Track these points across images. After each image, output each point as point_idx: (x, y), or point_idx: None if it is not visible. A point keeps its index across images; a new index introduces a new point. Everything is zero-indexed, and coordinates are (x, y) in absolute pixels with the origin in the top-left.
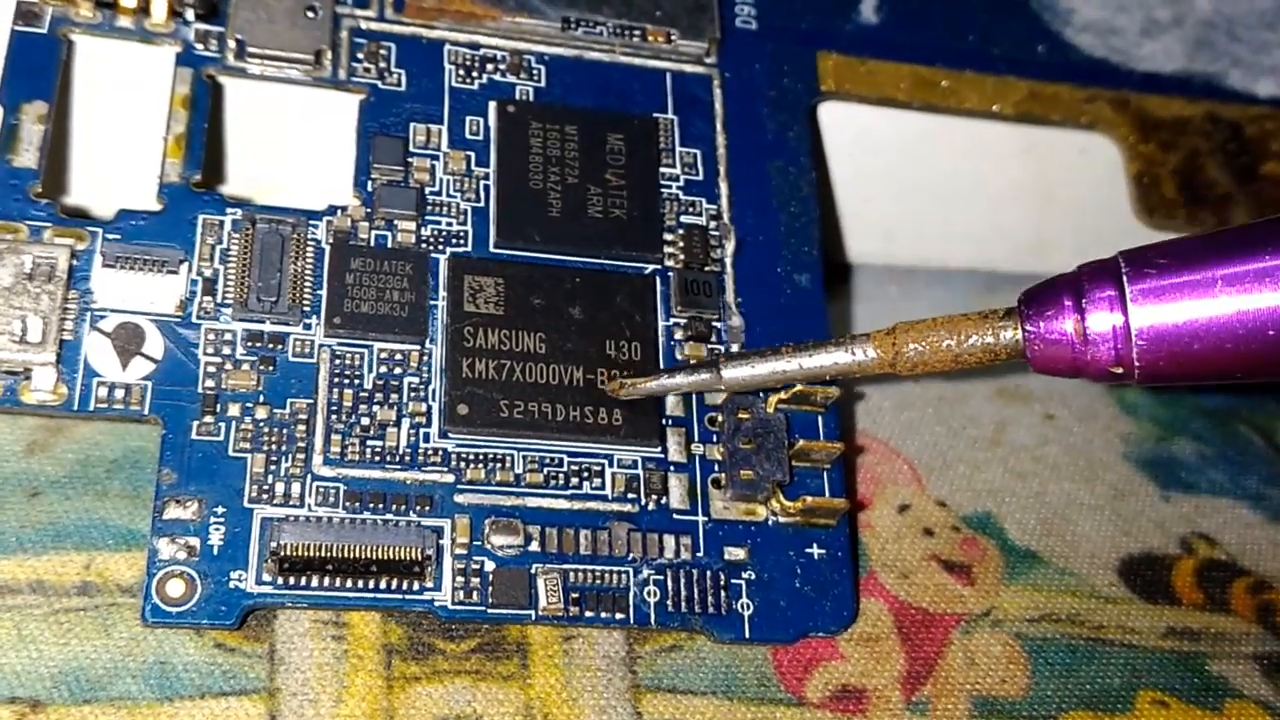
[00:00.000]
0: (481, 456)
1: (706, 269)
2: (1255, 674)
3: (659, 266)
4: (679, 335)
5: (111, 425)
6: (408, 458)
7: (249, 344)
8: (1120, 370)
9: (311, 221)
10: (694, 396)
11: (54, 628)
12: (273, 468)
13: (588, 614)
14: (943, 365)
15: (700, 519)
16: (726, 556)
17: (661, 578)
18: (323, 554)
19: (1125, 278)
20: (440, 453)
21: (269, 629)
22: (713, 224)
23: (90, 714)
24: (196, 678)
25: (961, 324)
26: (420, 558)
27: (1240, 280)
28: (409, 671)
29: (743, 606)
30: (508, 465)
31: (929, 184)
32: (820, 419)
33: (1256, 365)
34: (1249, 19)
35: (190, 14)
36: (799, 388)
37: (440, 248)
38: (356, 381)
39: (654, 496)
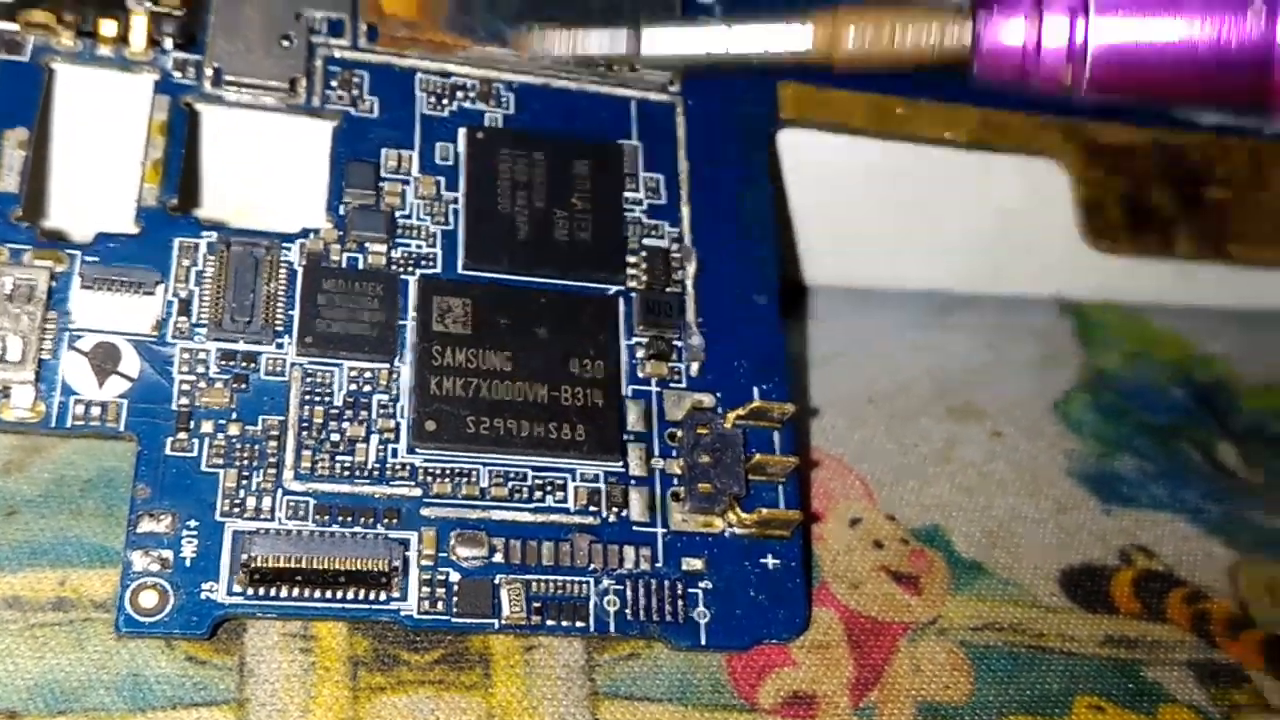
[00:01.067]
0: (448, 471)
1: (668, 290)
2: (1189, 680)
3: (623, 288)
4: (640, 354)
5: (86, 445)
6: (376, 472)
7: (223, 363)
8: (1069, 82)
9: (285, 244)
10: (655, 412)
11: (29, 642)
12: (244, 482)
13: (549, 623)
14: (882, 59)
15: (659, 530)
16: (684, 567)
17: (621, 587)
18: (292, 565)
19: None
20: (408, 468)
21: (239, 642)
22: (674, 246)
23: None
24: (168, 689)
25: (911, 14)
26: (387, 569)
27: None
28: (374, 682)
29: (699, 615)
30: (473, 479)
31: (885, 208)
32: (776, 434)
33: (1201, 79)
34: None
35: (169, 43)
36: (756, 402)
37: (410, 269)
38: (327, 399)
39: (615, 509)
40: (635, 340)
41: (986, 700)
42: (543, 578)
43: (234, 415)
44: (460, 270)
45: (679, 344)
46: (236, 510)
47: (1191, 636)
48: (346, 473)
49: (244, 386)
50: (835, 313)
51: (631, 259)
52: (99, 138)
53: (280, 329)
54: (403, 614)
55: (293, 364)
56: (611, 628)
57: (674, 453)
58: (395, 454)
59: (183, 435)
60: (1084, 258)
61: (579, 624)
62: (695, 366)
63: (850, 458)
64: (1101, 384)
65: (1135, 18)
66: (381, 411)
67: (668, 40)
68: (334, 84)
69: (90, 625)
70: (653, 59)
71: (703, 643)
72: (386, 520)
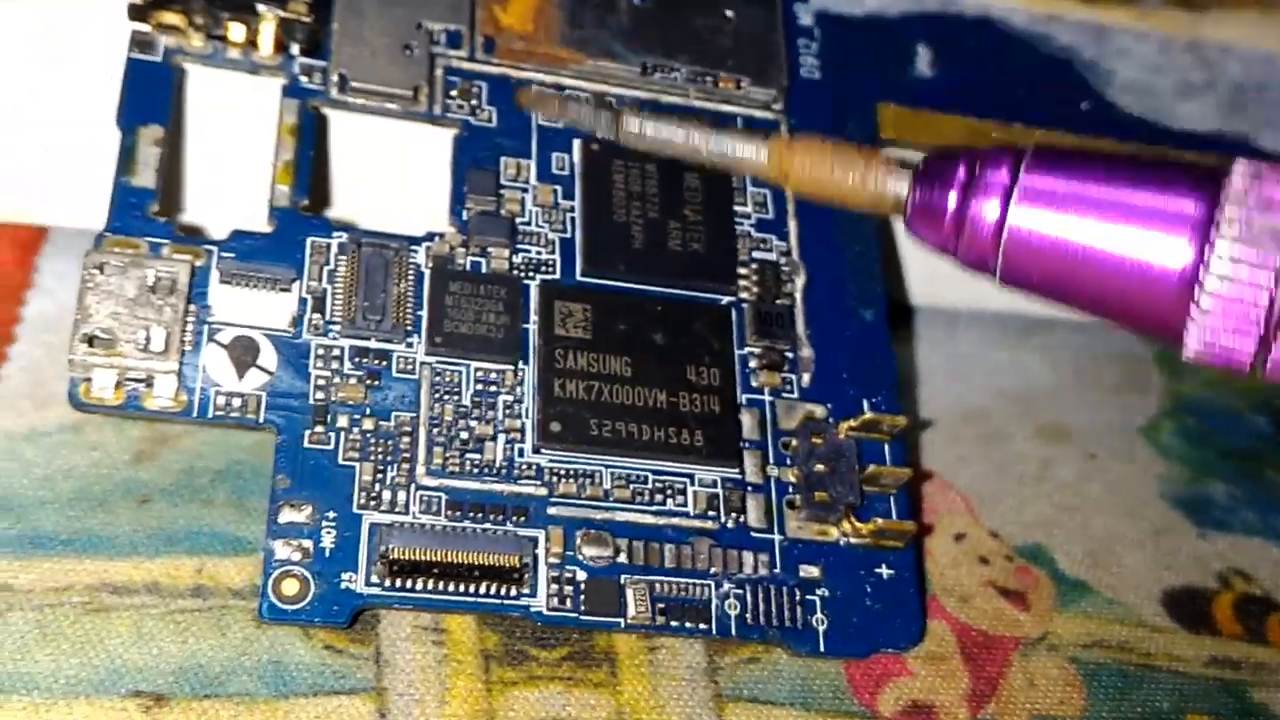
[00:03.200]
0: (572, 472)
1: (778, 302)
2: None
3: (734, 298)
4: (753, 364)
5: (213, 437)
6: (504, 471)
7: (356, 359)
8: (984, 262)
9: (412, 246)
10: (769, 420)
11: (171, 626)
12: (379, 476)
13: (673, 624)
14: (827, 195)
15: (776, 537)
16: (801, 574)
17: (741, 592)
18: (428, 558)
19: (1023, 170)
20: (534, 467)
21: (373, 632)
22: (783, 260)
23: (211, 708)
24: (309, 676)
25: (857, 159)
26: (518, 565)
27: (1121, 210)
28: (506, 676)
29: (817, 621)
30: (597, 481)
31: None
32: (887, 447)
33: (1107, 298)
34: (1277, 83)
35: (296, 49)
36: (868, 414)
37: (531, 274)
38: (455, 397)
39: (733, 515)
40: (748, 350)
41: (1100, 716)
42: (665, 579)
43: (368, 411)
44: (579, 277)
45: (790, 355)
46: (372, 503)
47: None
48: (476, 470)
49: (376, 383)
50: (927, 333)
51: (742, 270)
52: (230, 137)
53: (410, 328)
54: (533, 610)
55: (422, 362)
56: (733, 631)
57: (789, 461)
58: (522, 454)
59: (319, 428)
60: None
61: (702, 626)
62: (806, 378)
63: (949, 475)
64: (1184, 410)
65: (1056, 214)
66: (507, 412)
67: (643, 129)
68: (454, 93)
69: (229, 612)
70: (628, 142)
71: (821, 649)
72: (515, 518)
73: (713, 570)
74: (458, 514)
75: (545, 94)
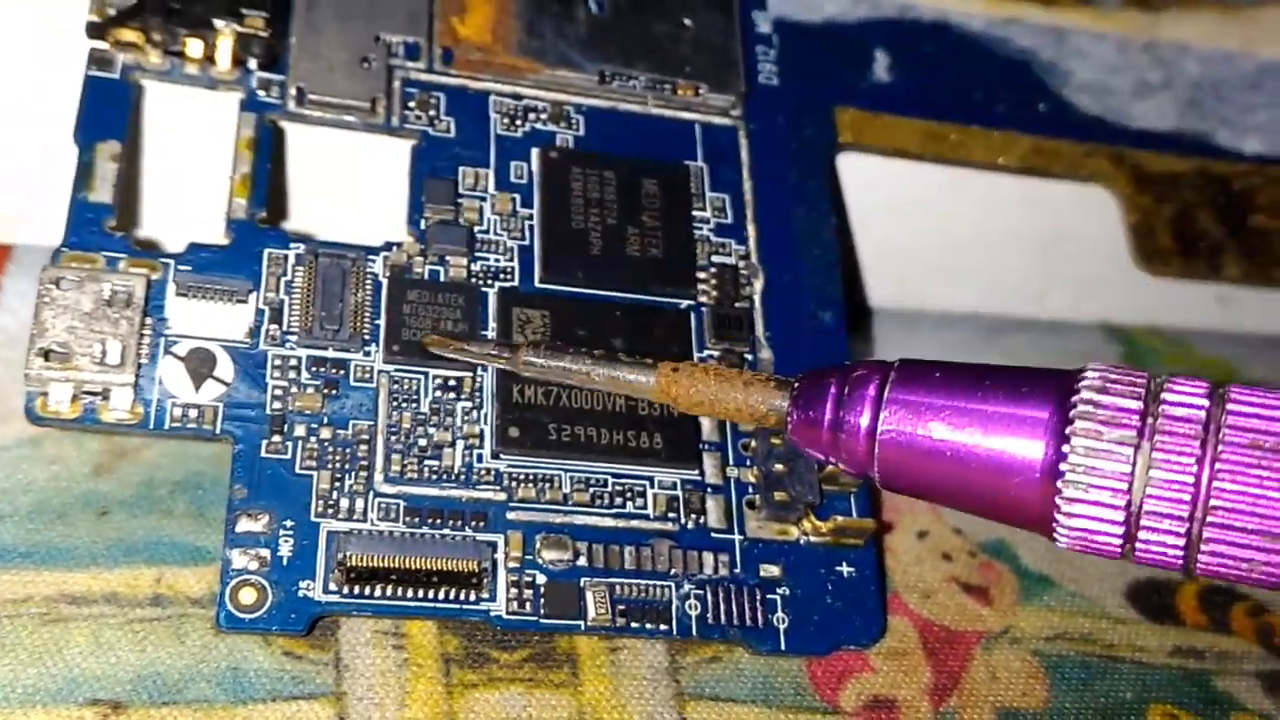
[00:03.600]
0: (532, 476)
1: (737, 305)
2: (1258, 690)
3: (693, 302)
4: None
5: (172, 449)
6: (462, 477)
7: (313, 369)
8: (863, 468)
9: (369, 256)
10: (729, 423)
11: (129, 636)
12: (337, 484)
13: (634, 625)
14: (716, 414)
15: (737, 537)
16: (762, 573)
17: (702, 592)
18: (386, 565)
19: (889, 386)
20: (493, 472)
21: (333, 638)
22: (742, 264)
23: (169, 715)
24: (267, 682)
25: (738, 383)
26: (477, 570)
27: (981, 418)
28: (467, 679)
29: (778, 620)
30: (556, 485)
31: (938, 231)
32: None
33: (979, 499)
34: (1234, 81)
35: (253, 63)
36: None
37: (490, 282)
38: (414, 405)
39: (693, 516)
40: (707, 353)
41: (1063, 707)
42: (626, 581)
43: (325, 420)
44: (537, 284)
45: (749, 357)
46: (330, 511)
47: (1257, 648)
48: (434, 476)
49: (334, 392)
50: (890, 335)
51: (701, 275)
52: (188, 152)
53: (367, 337)
54: (493, 614)
55: (380, 370)
56: (694, 631)
57: (748, 462)
58: (480, 459)
59: (277, 438)
60: (1132, 283)
61: (662, 627)
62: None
63: None
64: None
65: (922, 425)
66: (466, 418)
67: (540, 363)
68: (412, 105)
69: (188, 621)
70: (529, 374)
71: (782, 647)
72: (474, 523)
73: (673, 571)
74: (416, 520)
75: (447, 339)
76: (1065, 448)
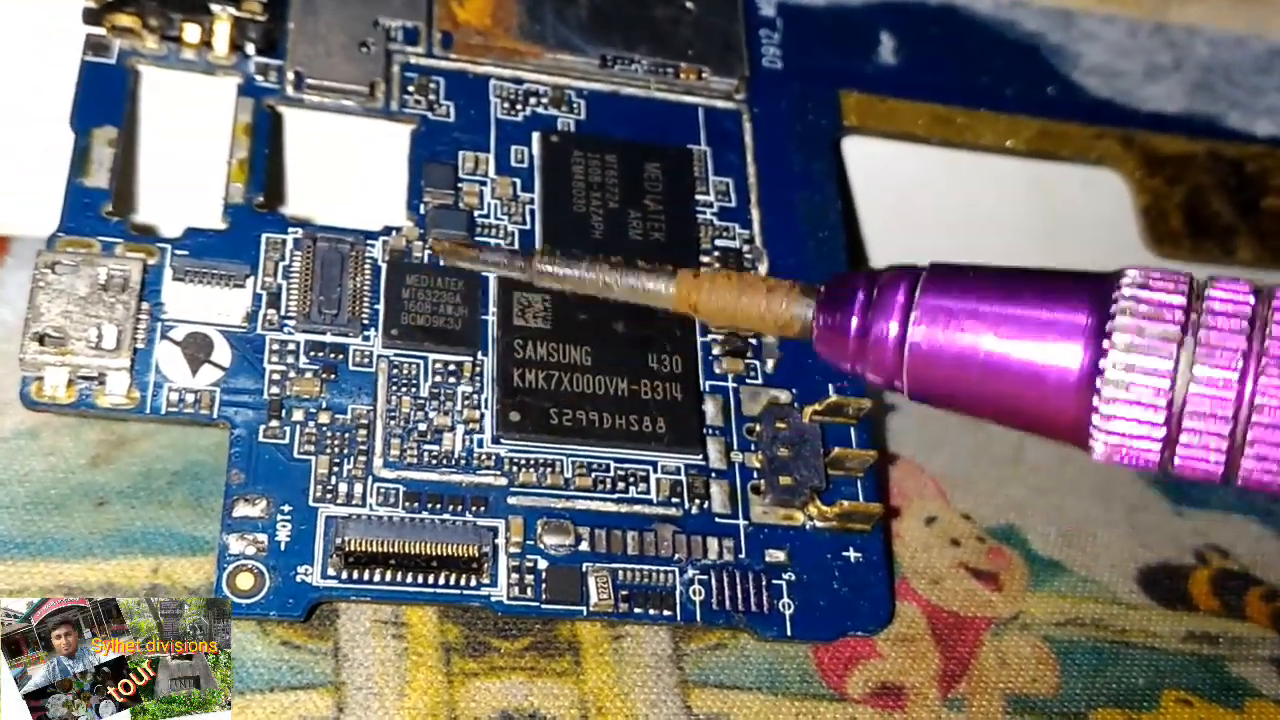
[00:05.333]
0: (532, 461)
1: None
2: (1273, 676)
3: None
4: (716, 350)
5: (172, 438)
6: (463, 461)
7: (311, 353)
8: (890, 379)
9: (368, 241)
10: (733, 406)
11: None
12: (336, 469)
13: (636, 610)
14: (737, 323)
15: (741, 523)
16: (767, 558)
17: (706, 578)
18: (385, 550)
19: (919, 290)
20: (493, 457)
21: (332, 628)
22: (746, 247)
23: None
24: (265, 673)
25: (761, 289)
26: (477, 555)
27: (1016, 323)
28: (467, 668)
29: (784, 606)
30: (558, 469)
31: (946, 215)
32: (853, 430)
33: (1012, 408)
34: (1244, 64)
35: (251, 48)
36: (833, 398)
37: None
38: (413, 390)
39: (697, 501)
40: (711, 336)
41: (1074, 693)
42: (629, 566)
43: (324, 404)
44: None
45: (754, 341)
46: (329, 496)
47: (1272, 633)
48: (434, 461)
49: (333, 376)
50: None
51: (704, 259)
52: (185, 137)
53: (366, 321)
54: (493, 599)
55: (379, 355)
56: (698, 617)
57: (753, 447)
58: (481, 444)
59: (274, 423)
60: (1145, 263)
61: (666, 613)
62: (771, 363)
63: (920, 458)
64: None
65: (954, 332)
66: (466, 402)
67: (555, 271)
68: (411, 89)
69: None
70: (543, 282)
71: (788, 634)
72: (474, 508)
73: (676, 556)
74: (415, 505)
75: (459, 242)
76: (1105, 344)
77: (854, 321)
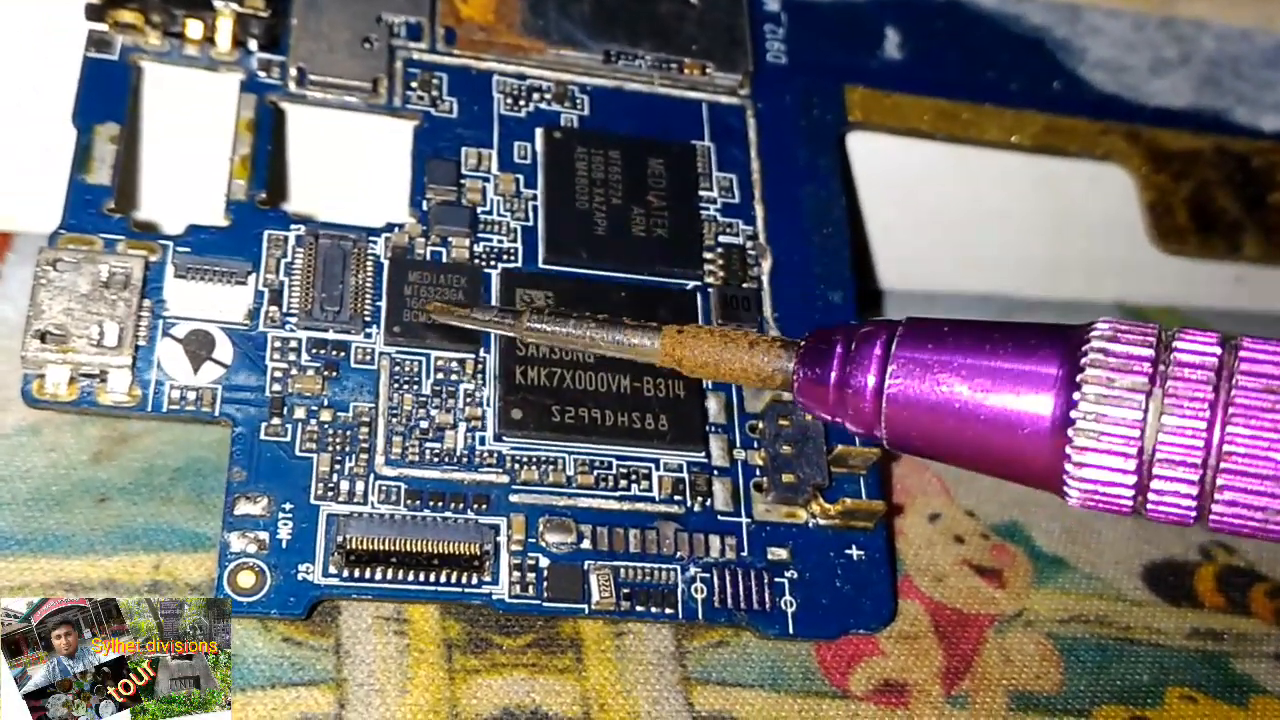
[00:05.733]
0: (535, 459)
1: (745, 285)
2: (1278, 672)
3: (700, 283)
4: None
5: (174, 435)
6: (465, 459)
7: (313, 351)
8: (870, 428)
9: (371, 237)
10: (735, 404)
11: None
12: (337, 467)
13: (638, 608)
14: (720, 378)
15: (744, 520)
16: (770, 556)
17: (708, 575)
18: (387, 548)
19: (895, 343)
20: (495, 455)
21: (333, 624)
22: (749, 244)
23: None
24: (266, 669)
25: (743, 344)
26: (479, 553)
27: (989, 374)
28: (469, 664)
29: (786, 604)
30: (560, 467)
31: (951, 211)
32: None
33: (988, 457)
34: (1252, 58)
35: (253, 44)
36: None
37: (492, 263)
38: (415, 387)
39: (699, 498)
40: None
41: (1078, 690)
42: (631, 564)
43: (325, 402)
44: (541, 264)
45: None
46: (330, 494)
47: (1277, 629)
48: (436, 459)
49: (334, 374)
50: (900, 317)
51: (708, 255)
52: (187, 134)
53: (368, 319)
54: (495, 597)
55: (381, 353)
56: (700, 615)
57: (756, 444)
58: (483, 441)
59: (276, 420)
60: (1148, 262)
61: (668, 611)
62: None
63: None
64: None
65: (930, 384)
66: (468, 400)
67: (543, 329)
68: (414, 85)
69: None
70: (532, 340)
71: (790, 632)
72: (476, 506)
73: (679, 554)
74: (417, 503)
75: (451, 307)
76: (1076, 396)
77: (833, 374)
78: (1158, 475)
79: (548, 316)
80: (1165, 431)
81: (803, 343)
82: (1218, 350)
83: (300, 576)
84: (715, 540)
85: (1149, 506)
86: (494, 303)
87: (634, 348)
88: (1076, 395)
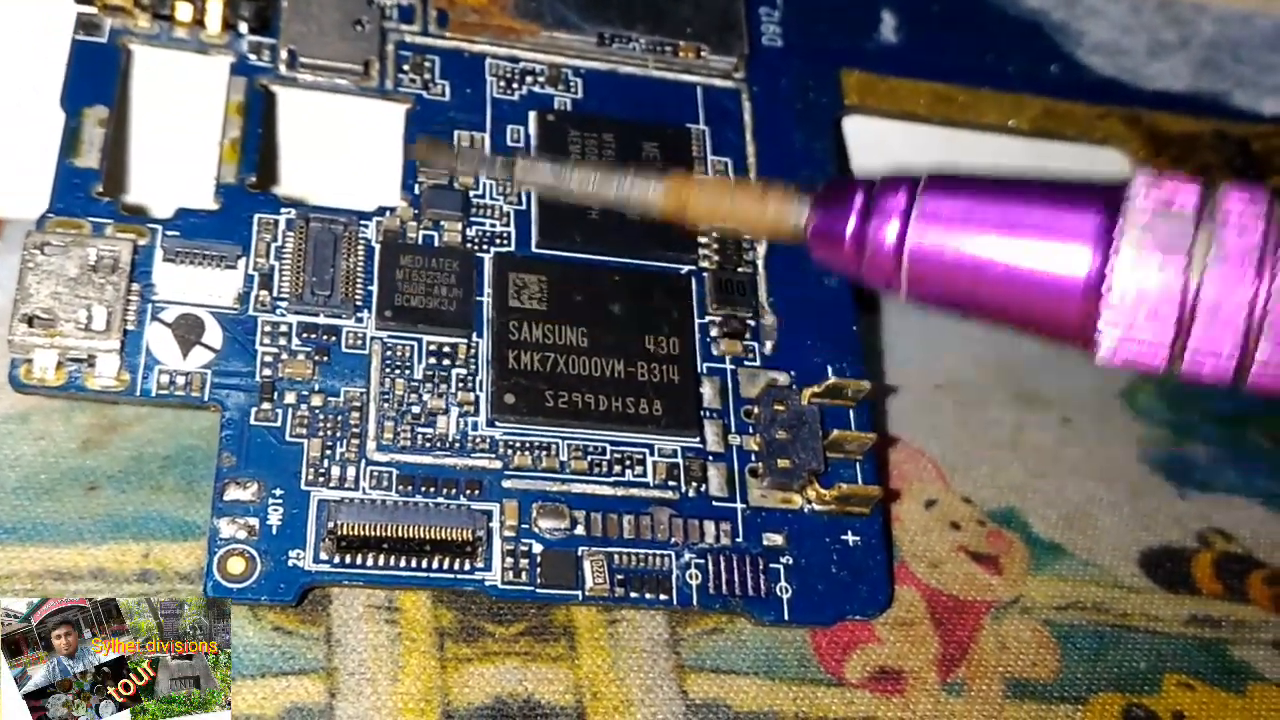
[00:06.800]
0: (527, 444)
1: (740, 270)
2: (1275, 659)
3: (694, 267)
4: (714, 332)
5: (164, 423)
6: (457, 444)
7: (304, 335)
8: (888, 281)
9: (362, 221)
10: (730, 389)
11: None
12: (328, 452)
13: (632, 595)
14: (728, 224)
15: (739, 506)
16: (765, 542)
17: (703, 561)
18: (378, 534)
19: (919, 194)
20: (488, 440)
21: (324, 613)
22: None
23: None
24: (256, 658)
25: (754, 189)
26: (471, 539)
27: (1021, 225)
28: (461, 653)
29: (781, 590)
30: (553, 453)
31: None
32: (852, 412)
33: (1016, 310)
34: (1252, 41)
35: (244, 26)
36: (832, 380)
37: (485, 247)
38: (407, 371)
39: (694, 484)
40: (709, 318)
41: (1075, 677)
42: (624, 550)
43: (316, 387)
44: (534, 248)
45: (752, 323)
46: (321, 480)
47: (1275, 616)
48: (428, 444)
49: (325, 358)
50: (897, 302)
51: (702, 239)
52: (176, 117)
53: (360, 303)
54: (487, 584)
55: (373, 337)
56: (694, 601)
57: (751, 429)
58: (475, 427)
59: (266, 405)
60: None
61: (662, 597)
62: (769, 345)
63: (921, 442)
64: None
65: (957, 231)
66: (461, 385)
67: (539, 172)
68: (406, 68)
69: (176, 596)
70: (525, 184)
71: (786, 618)
72: (468, 491)
73: (673, 540)
74: (409, 489)
75: (439, 145)
76: (1113, 251)
77: (851, 222)
78: (1200, 323)
79: (544, 164)
80: (1210, 279)
81: (818, 191)
82: (1266, 199)
83: (291, 563)
84: (710, 526)
85: (1186, 359)
86: (486, 293)
87: (636, 193)
88: (1115, 243)
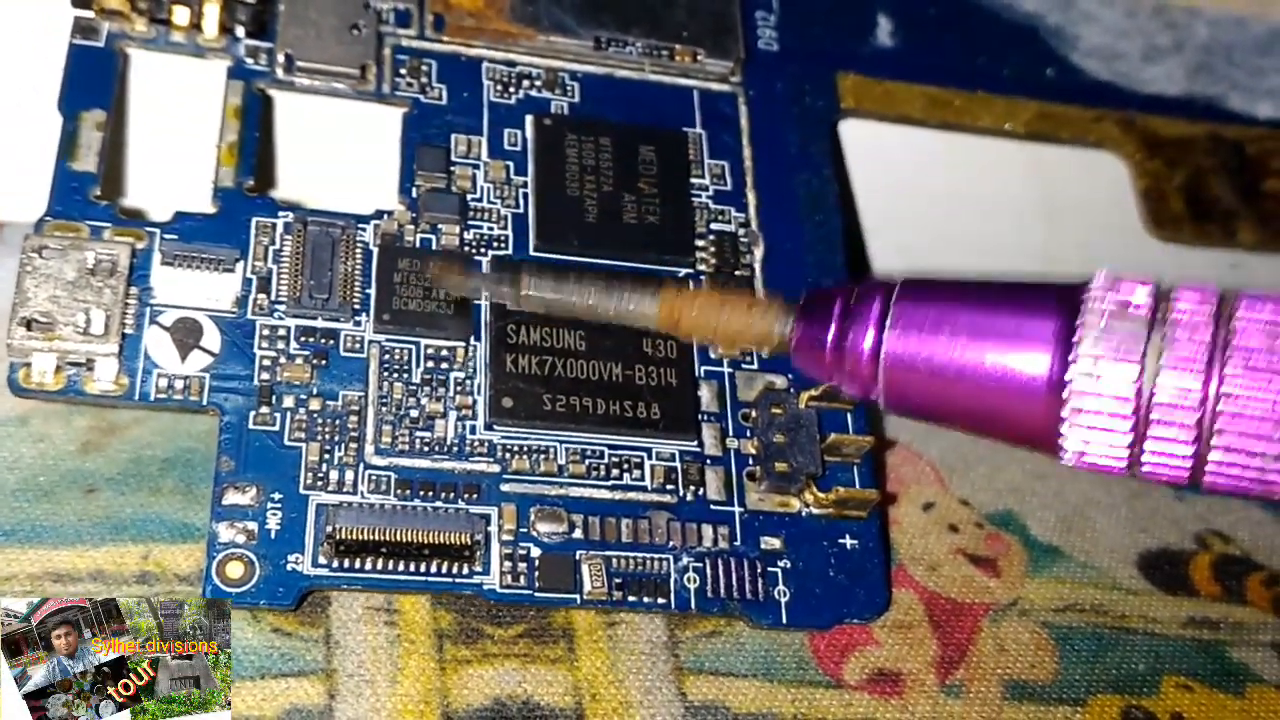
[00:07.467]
0: (526, 448)
1: (737, 273)
2: (1274, 660)
3: (692, 270)
4: None
5: (162, 425)
6: (455, 448)
7: (302, 339)
8: (867, 390)
9: (360, 225)
10: (728, 392)
11: None
12: (327, 456)
13: (630, 599)
14: (717, 338)
15: (737, 509)
16: (763, 545)
17: (701, 565)
18: (376, 538)
19: (894, 301)
20: (486, 444)
21: (323, 615)
22: (741, 231)
23: None
24: (256, 660)
25: (743, 304)
26: (470, 542)
27: (987, 331)
28: (460, 655)
29: (779, 593)
30: (551, 456)
31: (944, 199)
32: (849, 416)
33: (985, 416)
34: (1245, 45)
35: (240, 30)
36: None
37: (483, 250)
38: (405, 375)
39: (692, 488)
40: None
41: (1073, 679)
42: (623, 554)
43: (314, 391)
44: (531, 251)
45: None
46: (320, 484)
47: (1273, 618)
48: (426, 448)
49: (324, 362)
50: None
51: (700, 242)
52: (174, 121)
53: (358, 306)
54: (486, 587)
55: (371, 340)
56: (692, 605)
57: (748, 433)
58: (473, 430)
59: (265, 409)
60: (1143, 250)
61: (660, 600)
62: (765, 350)
63: (918, 444)
64: None
65: (927, 341)
66: (459, 389)
67: (543, 293)
68: (403, 71)
69: (175, 598)
70: (530, 305)
71: (784, 621)
72: (467, 495)
73: (671, 544)
74: (407, 493)
75: (450, 268)
76: (1073, 348)
77: (831, 332)
78: (1155, 421)
79: (547, 280)
80: (1163, 381)
81: (800, 303)
82: (1215, 301)
83: (289, 567)
84: (708, 529)
85: (1144, 461)
86: (483, 296)
87: (634, 313)
88: (1074, 345)
